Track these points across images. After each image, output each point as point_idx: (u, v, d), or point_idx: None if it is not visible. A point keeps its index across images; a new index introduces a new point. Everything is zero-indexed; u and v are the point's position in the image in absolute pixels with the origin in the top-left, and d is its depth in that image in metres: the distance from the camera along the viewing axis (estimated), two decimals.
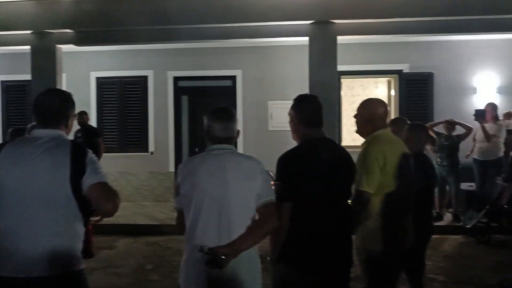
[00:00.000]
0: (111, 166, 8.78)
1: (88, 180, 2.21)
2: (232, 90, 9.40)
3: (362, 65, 9.03)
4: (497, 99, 8.57)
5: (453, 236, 7.03)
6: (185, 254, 2.50)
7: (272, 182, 2.57)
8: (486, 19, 6.67)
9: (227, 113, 2.55)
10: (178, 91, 9.55)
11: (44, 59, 7.33)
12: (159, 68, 9.48)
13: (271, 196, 2.47)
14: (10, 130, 5.53)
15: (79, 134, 7.67)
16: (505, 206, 6.56)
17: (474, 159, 7.78)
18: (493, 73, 8.89)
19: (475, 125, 7.69)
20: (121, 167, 9.42)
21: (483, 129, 7.55)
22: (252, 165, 2.48)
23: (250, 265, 2.42)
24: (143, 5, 6.75)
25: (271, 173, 2.62)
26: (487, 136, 7.52)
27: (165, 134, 9.53)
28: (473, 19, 6.68)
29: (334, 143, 2.88)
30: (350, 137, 8.85)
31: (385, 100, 9.12)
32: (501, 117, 8.00)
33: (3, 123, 9.86)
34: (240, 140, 9.14)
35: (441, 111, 8.69)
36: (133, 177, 9.53)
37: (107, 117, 9.67)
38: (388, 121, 3.31)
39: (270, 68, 9.23)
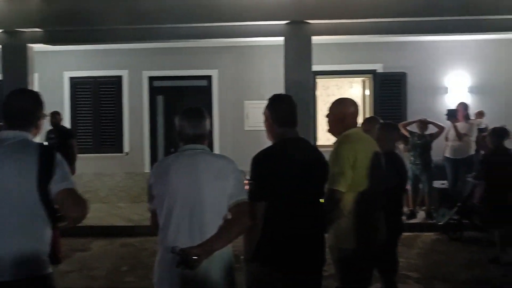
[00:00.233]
0: (86, 167, 8.68)
1: (56, 186, 2.19)
2: (208, 90, 9.38)
3: (337, 65, 9.11)
4: (468, 99, 8.75)
5: (426, 233, 7.16)
6: (158, 255, 2.50)
7: (245, 182, 2.58)
8: (458, 20, 6.80)
9: (197, 111, 2.57)
10: (153, 91, 9.49)
11: (15, 58, 7.19)
12: (134, 68, 9.38)
13: (243, 195, 2.48)
14: None
15: (52, 135, 7.52)
16: (476, 203, 6.69)
17: (446, 157, 7.92)
18: (465, 73, 9.07)
19: (447, 124, 7.83)
20: (96, 168, 9.31)
21: (455, 128, 7.69)
22: (224, 165, 2.49)
23: (223, 265, 2.42)
24: (117, 4, 6.67)
25: (245, 172, 2.62)
26: (459, 135, 7.66)
27: (140, 135, 9.44)
28: (445, 20, 6.82)
29: (308, 143, 2.89)
30: (325, 136, 8.81)
31: (360, 100, 9.36)
32: (472, 116, 8.17)
33: None
34: (216, 140, 9.15)
35: (414, 111, 8.82)
36: (108, 178, 9.41)
37: (81, 118, 9.53)
38: (359, 120, 3.34)
39: (246, 68, 9.23)
